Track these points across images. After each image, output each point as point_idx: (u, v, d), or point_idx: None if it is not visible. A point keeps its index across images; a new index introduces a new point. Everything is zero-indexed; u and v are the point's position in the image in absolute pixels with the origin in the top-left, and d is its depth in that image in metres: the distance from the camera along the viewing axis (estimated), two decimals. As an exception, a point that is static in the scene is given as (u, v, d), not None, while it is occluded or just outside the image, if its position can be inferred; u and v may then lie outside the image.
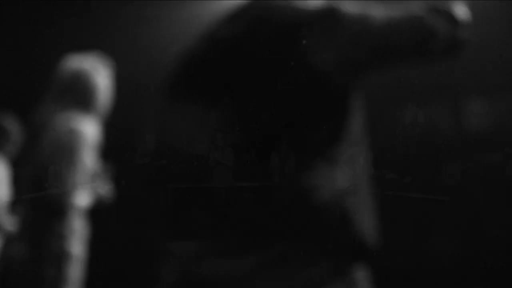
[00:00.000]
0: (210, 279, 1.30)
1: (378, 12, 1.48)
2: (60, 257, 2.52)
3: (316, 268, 1.27)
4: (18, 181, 2.97)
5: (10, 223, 3.24)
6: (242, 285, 1.27)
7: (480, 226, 6.83)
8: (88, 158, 2.56)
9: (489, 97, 10.56)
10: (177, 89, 1.58)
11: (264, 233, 1.29)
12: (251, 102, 1.42)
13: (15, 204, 2.99)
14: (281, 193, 1.34)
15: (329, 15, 1.43)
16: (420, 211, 7.08)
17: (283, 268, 1.26)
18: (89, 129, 2.56)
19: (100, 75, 2.66)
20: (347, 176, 1.38)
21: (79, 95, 2.60)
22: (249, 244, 1.28)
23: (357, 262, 1.34)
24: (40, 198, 2.51)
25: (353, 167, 1.41)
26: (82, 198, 2.57)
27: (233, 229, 1.32)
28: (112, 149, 2.76)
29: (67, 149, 2.50)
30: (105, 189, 2.69)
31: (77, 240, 2.58)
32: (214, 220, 1.36)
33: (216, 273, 1.29)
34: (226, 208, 1.35)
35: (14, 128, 3.61)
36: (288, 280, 1.27)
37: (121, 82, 2.79)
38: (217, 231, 1.35)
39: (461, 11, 1.65)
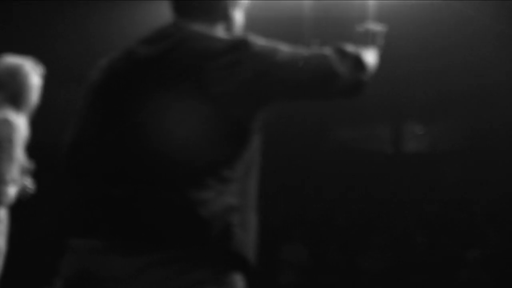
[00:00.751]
0: (99, 275, 1.38)
1: (286, 49, 1.53)
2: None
3: (196, 274, 1.37)
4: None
5: None
6: (128, 283, 1.35)
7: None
8: (20, 151, 2.64)
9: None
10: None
11: (155, 238, 1.38)
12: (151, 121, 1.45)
13: None
14: (174, 204, 1.39)
15: (237, 48, 1.47)
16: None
17: (167, 270, 1.35)
18: (21, 123, 2.68)
19: (33, 75, 2.79)
20: (238, 193, 1.46)
21: (12, 92, 2.72)
22: (141, 247, 1.36)
23: (236, 272, 1.44)
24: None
25: (244, 185, 1.49)
26: (12, 190, 2.62)
27: (129, 231, 1.39)
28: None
29: (2, 138, 2.58)
30: (29, 183, 2.73)
31: (1, 233, 2.61)
32: (112, 220, 1.41)
33: (107, 270, 1.37)
34: (125, 210, 1.41)
35: None
36: (170, 281, 1.36)
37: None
38: (114, 231, 1.41)
39: (370, 57, 1.71)
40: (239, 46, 1.48)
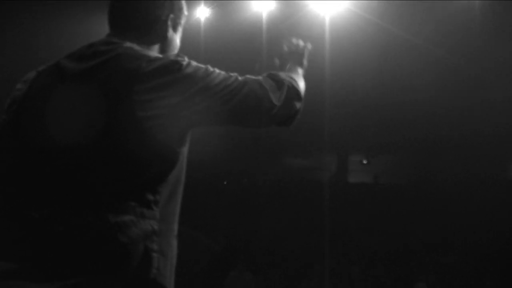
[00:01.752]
0: None
1: (219, 74, 1.49)
2: None
3: None
4: None
5: None
6: None
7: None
8: None
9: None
10: None
11: (70, 263, 1.32)
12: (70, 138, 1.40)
13: None
14: (91, 228, 1.34)
15: (168, 71, 1.43)
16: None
17: None
18: None
19: None
20: (160, 217, 1.42)
21: None
22: (54, 272, 1.31)
23: None
24: None
25: (167, 209, 1.45)
26: None
27: (42, 255, 1.33)
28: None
29: None
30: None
31: None
32: (25, 242, 1.36)
33: None
34: (40, 233, 1.36)
35: None
36: None
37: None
38: (26, 254, 1.36)
39: (302, 83, 1.68)
40: (170, 68, 1.43)
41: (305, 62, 1.86)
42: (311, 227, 9.81)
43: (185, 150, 1.49)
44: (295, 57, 1.85)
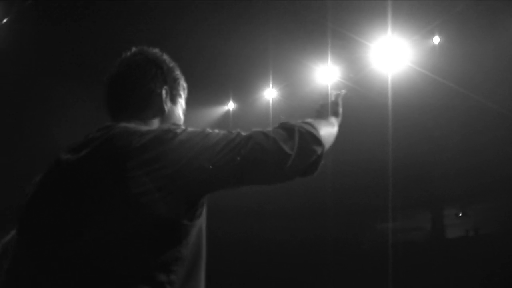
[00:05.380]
0: None
1: (216, 134, 1.39)
2: None
3: None
4: None
5: None
6: None
7: None
8: None
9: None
10: None
11: None
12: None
13: None
14: None
15: (160, 142, 1.34)
16: None
17: None
18: None
19: None
20: None
21: None
22: None
23: None
24: None
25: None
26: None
27: None
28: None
29: None
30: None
31: None
32: None
33: None
34: None
35: None
36: None
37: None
38: None
39: (324, 128, 1.54)
40: (162, 138, 1.35)
41: (340, 110, 1.77)
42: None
43: (199, 222, 1.38)
44: (328, 107, 1.77)
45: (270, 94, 9.16)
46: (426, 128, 8.73)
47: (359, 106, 6.66)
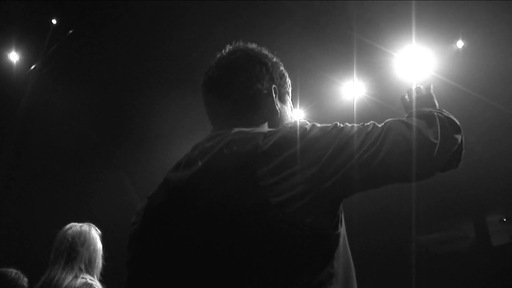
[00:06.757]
0: None
1: (353, 128, 1.21)
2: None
3: None
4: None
5: None
6: None
7: None
8: None
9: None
10: None
11: None
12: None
13: None
14: None
15: (289, 144, 1.17)
16: None
17: None
18: (99, 285, 2.94)
19: (98, 239, 3.09)
20: None
21: (86, 257, 2.98)
22: None
23: None
24: None
25: None
26: None
27: None
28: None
29: None
30: None
31: None
32: None
33: None
34: None
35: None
36: None
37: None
38: None
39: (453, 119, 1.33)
40: (291, 137, 1.19)
41: (436, 102, 1.51)
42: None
43: (343, 231, 1.21)
44: (424, 100, 1.51)
45: (297, 115, 9.11)
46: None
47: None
